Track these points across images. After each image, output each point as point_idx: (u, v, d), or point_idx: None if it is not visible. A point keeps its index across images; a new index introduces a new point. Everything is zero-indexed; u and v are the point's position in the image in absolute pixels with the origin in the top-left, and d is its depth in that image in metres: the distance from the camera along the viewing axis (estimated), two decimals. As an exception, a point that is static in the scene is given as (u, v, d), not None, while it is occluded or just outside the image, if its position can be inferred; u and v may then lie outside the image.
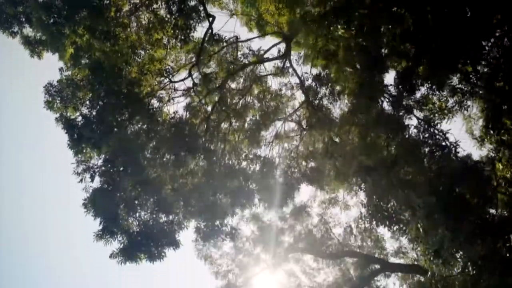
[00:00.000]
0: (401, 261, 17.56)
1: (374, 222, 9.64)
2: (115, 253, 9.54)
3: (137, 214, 9.43)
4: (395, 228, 9.80)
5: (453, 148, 10.44)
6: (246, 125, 13.05)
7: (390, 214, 9.49)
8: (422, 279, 17.61)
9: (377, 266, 17.62)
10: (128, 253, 9.48)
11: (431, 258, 8.86)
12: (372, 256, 17.47)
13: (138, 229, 9.50)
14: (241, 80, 13.45)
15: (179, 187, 9.60)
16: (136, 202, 9.30)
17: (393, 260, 17.79)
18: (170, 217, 9.42)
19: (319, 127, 13.09)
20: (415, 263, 17.07)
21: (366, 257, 17.50)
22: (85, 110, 10.19)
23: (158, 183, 9.41)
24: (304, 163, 12.73)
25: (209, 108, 10.81)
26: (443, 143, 10.91)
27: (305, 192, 22.48)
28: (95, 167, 9.59)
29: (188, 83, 11.87)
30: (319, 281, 19.25)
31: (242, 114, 12.82)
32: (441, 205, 8.64)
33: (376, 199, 9.60)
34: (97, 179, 9.60)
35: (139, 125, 10.00)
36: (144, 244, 9.49)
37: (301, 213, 17.90)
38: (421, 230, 9.56)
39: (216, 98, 11.62)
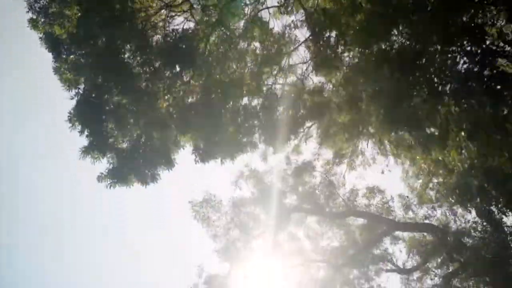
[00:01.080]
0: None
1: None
2: (104, 175, 8.54)
3: (128, 131, 8.42)
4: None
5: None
6: (247, 63, 12.04)
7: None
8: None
9: (385, 227, 16.71)
10: (118, 174, 8.49)
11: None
12: (379, 216, 16.51)
13: (129, 147, 8.52)
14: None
15: (175, 102, 8.60)
16: (127, 116, 8.29)
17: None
18: (165, 133, 8.43)
19: (325, 66, 12.15)
20: (425, 221, 16.19)
21: (373, 216, 16.55)
22: (72, 29, 9.17)
23: (151, 97, 8.41)
24: (309, 99, 11.80)
25: (209, 31, 9.78)
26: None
27: (309, 150, 21.60)
28: (81, 82, 8.58)
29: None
30: (323, 245, 18.30)
31: (243, 53, 11.80)
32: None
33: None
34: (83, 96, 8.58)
35: (131, 44, 8.96)
36: (136, 164, 8.52)
37: (304, 171, 16.95)
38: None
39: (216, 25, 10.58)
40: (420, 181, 18.43)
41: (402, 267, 19.07)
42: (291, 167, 17.25)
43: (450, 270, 15.68)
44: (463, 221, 15.54)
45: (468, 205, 14.10)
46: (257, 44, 12.36)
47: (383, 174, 18.63)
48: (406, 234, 18.71)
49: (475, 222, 15.29)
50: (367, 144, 19.13)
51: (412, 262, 18.92)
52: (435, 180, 16.46)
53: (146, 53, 8.75)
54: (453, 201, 14.96)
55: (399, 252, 19.35)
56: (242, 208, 16.59)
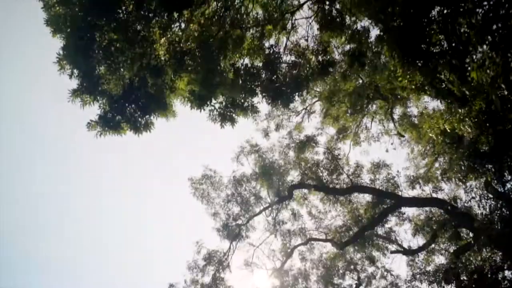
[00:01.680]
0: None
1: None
2: (94, 123, 7.98)
3: (121, 75, 7.85)
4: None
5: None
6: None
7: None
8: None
9: (391, 203, 16.08)
10: (109, 121, 7.92)
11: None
12: (385, 191, 15.90)
13: (121, 93, 7.95)
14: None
15: (171, 47, 8.03)
16: (119, 59, 7.71)
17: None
18: (160, 78, 7.85)
19: (330, 28, 11.57)
20: (432, 195, 15.56)
21: (379, 192, 15.92)
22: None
23: (146, 41, 7.84)
24: (314, 58, 11.22)
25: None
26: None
27: (311, 126, 21.02)
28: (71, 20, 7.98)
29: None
30: (326, 224, 17.69)
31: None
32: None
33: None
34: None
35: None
36: (128, 111, 7.95)
37: (307, 146, 16.37)
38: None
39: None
40: (426, 160, 17.90)
41: (407, 248, 18.53)
42: (293, 142, 16.70)
43: (460, 245, 15.07)
44: (472, 194, 14.97)
45: (477, 176, 13.56)
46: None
47: (387, 153, 18.14)
48: (412, 213, 18.18)
49: (484, 194, 14.74)
50: (371, 122, 18.65)
51: (417, 243, 18.36)
52: (441, 159, 15.92)
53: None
54: (460, 174, 14.41)
55: (405, 234, 18.81)
56: (243, 184, 16.00)
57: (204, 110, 8.54)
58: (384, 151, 17.91)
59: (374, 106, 18.26)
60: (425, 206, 15.36)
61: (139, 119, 8.07)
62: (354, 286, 24.18)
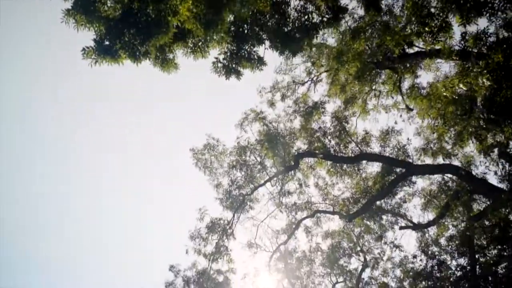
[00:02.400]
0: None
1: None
2: (89, 49, 7.33)
3: (119, -2, 7.20)
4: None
5: None
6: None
7: None
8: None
9: (401, 171, 15.39)
10: (106, 48, 7.29)
11: None
12: (395, 159, 15.22)
13: (119, 16, 7.31)
14: None
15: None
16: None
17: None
18: (161, 2, 7.20)
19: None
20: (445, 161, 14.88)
21: (389, 159, 15.25)
22: None
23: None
24: (324, 4, 10.57)
25: None
26: None
27: (318, 95, 20.38)
28: None
29: None
30: (334, 196, 16.99)
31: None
32: None
33: None
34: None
35: None
36: (127, 35, 7.31)
37: (314, 114, 15.71)
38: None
39: None
40: (436, 133, 17.20)
41: (417, 223, 17.85)
42: (299, 110, 16.05)
43: (474, 213, 14.40)
44: (486, 161, 14.33)
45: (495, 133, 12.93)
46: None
47: (396, 125, 17.45)
48: (422, 186, 17.50)
49: (497, 160, 14.12)
50: (379, 95, 17.99)
51: (427, 218, 17.69)
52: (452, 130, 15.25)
53: None
54: (475, 134, 13.77)
55: (414, 209, 18.11)
56: (247, 151, 15.34)
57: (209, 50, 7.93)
58: (393, 123, 17.26)
59: (383, 76, 17.64)
60: (437, 173, 14.68)
61: (138, 47, 7.41)
62: (360, 267, 23.52)
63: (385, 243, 17.71)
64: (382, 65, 16.13)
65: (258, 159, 15.61)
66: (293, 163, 15.54)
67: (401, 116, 18.03)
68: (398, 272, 20.32)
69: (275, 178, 15.83)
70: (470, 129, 13.63)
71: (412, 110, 18.21)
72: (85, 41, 7.43)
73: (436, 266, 14.70)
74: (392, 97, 18.25)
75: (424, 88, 17.06)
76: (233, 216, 14.46)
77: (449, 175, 15.53)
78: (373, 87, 16.73)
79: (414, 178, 15.50)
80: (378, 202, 16.56)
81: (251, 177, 15.54)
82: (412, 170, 14.80)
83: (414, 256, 17.72)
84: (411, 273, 18.16)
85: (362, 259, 23.54)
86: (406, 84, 17.75)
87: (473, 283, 12.68)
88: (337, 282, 25.56)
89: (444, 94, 14.90)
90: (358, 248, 23.85)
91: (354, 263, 24.59)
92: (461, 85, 14.23)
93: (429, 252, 15.91)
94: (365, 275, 23.72)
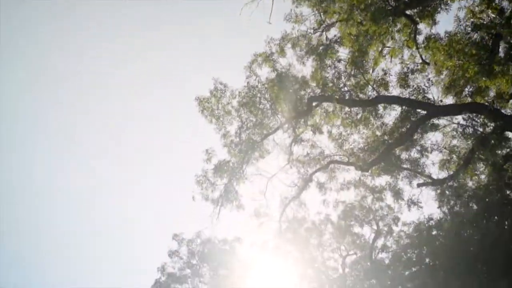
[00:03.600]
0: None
1: None
2: None
3: None
4: None
5: None
6: None
7: None
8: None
9: (423, 114, 14.28)
10: None
11: None
12: (415, 100, 14.10)
13: None
14: None
15: None
16: None
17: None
18: None
19: None
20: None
21: (408, 101, 14.11)
22: None
23: None
24: None
25: None
26: None
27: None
28: None
29: None
30: (348, 148, 15.87)
31: None
32: None
33: None
34: None
35: None
36: None
37: (327, 54, 14.61)
38: None
39: None
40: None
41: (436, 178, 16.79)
42: (311, 52, 14.95)
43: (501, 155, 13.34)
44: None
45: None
46: None
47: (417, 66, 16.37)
48: (442, 139, 16.43)
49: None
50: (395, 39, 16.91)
51: (447, 171, 16.61)
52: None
53: None
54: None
55: (432, 166, 16.99)
56: (257, 93, 14.25)
57: None
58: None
59: (398, 25, 16.60)
60: (462, 112, 13.54)
61: None
62: (373, 236, 22.39)
63: (402, 199, 16.60)
64: (398, 11, 15.09)
65: (268, 104, 14.52)
66: (305, 108, 14.48)
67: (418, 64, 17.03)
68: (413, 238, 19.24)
69: (286, 125, 14.75)
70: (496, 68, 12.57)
71: (428, 64, 17.14)
72: None
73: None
74: (408, 47, 17.21)
75: (441, 39, 16.03)
76: (244, 159, 13.33)
77: (473, 121, 14.50)
78: (390, 29, 15.66)
79: (436, 121, 14.40)
80: (397, 152, 15.49)
81: (261, 122, 14.47)
82: (434, 112, 13.70)
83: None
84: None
85: (375, 227, 22.45)
86: (422, 37, 16.75)
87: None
88: (347, 255, 24.51)
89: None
90: (371, 216, 22.77)
91: (367, 233, 23.50)
92: (489, 11, 13.19)
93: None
94: (379, 244, 22.63)
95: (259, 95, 14.27)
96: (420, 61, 17.04)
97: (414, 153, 15.84)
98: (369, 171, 15.14)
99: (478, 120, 14.18)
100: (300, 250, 22.68)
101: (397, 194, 16.66)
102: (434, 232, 15.98)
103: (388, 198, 22.81)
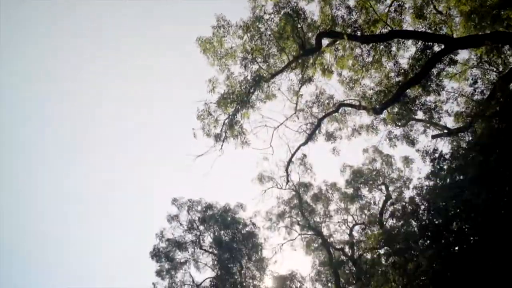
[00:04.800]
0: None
1: None
2: None
3: None
4: None
5: None
6: None
7: None
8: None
9: (440, 48, 13.28)
10: None
11: None
12: (432, 33, 13.13)
13: None
14: None
15: None
16: None
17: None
18: None
19: None
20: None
21: (425, 35, 13.13)
22: None
23: None
24: None
25: None
26: None
27: None
28: None
29: None
30: (359, 92, 14.85)
31: None
32: None
33: None
34: None
35: None
36: None
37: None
38: None
39: None
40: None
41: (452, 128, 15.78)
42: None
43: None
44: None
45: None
46: None
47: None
48: (457, 82, 15.44)
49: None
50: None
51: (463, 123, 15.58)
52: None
53: None
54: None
55: (447, 116, 15.94)
56: (263, 24, 13.25)
57: None
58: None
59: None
60: (483, 43, 12.49)
61: None
62: (383, 199, 21.34)
63: (417, 150, 15.56)
64: None
65: (275, 39, 13.53)
66: (314, 44, 13.51)
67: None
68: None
69: (294, 64, 13.77)
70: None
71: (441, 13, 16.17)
72: None
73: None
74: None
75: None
76: (251, 89, 12.27)
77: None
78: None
79: (455, 57, 13.41)
80: (411, 95, 14.48)
81: (267, 60, 13.51)
82: (453, 44, 12.68)
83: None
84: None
85: (385, 192, 21.39)
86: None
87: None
88: (355, 224, 23.41)
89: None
90: (380, 181, 21.72)
91: (376, 199, 22.41)
92: None
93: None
94: (389, 210, 21.56)
95: (264, 27, 13.29)
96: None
97: (429, 97, 14.83)
98: (382, 113, 14.14)
99: (501, 56, 13.19)
100: (305, 218, 21.63)
101: (412, 142, 15.62)
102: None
103: (398, 163, 21.78)
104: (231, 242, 19.99)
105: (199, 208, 20.95)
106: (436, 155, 11.99)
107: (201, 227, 20.23)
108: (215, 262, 20.35)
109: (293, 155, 15.24)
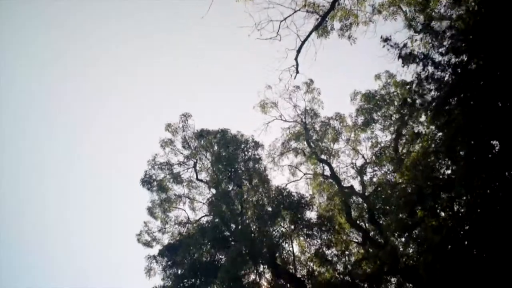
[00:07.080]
0: None
1: None
2: None
3: None
4: None
5: None
6: None
7: None
8: None
9: None
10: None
11: None
12: None
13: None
14: None
15: None
16: None
17: None
18: None
19: None
20: None
21: None
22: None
23: None
24: None
25: None
26: None
27: None
28: None
29: None
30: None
31: None
32: None
33: None
34: None
35: None
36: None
37: None
38: None
39: None
40: None
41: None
42: None
43: None
44: None
45: None
46: None
47: None
48: None
49: None
50: None
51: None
52: None
53: None
54: None
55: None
56: None
57: None
58: None
59: None
60: None
61: None
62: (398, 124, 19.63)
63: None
64: None
65: None
66: None
67: None
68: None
69: None
70: None
71: None
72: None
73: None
74: None
75: None
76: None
77: None
78: None
79: None
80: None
81: None
82: None
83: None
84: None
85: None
86: None
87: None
88: (365, 163, 21.47)
89: None
90: (394, 108, 19.93)
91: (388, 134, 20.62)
92: None
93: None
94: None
95: None
96: None
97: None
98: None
99: None
100: (312, 148, 19.72)
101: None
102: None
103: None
104: (232, 160, 17.68)
105: (192, 131, 18.91)
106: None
107: (198, 147, 17.99)
108: (212, 195, 18.35)
109: (303, 42, 13.35)
